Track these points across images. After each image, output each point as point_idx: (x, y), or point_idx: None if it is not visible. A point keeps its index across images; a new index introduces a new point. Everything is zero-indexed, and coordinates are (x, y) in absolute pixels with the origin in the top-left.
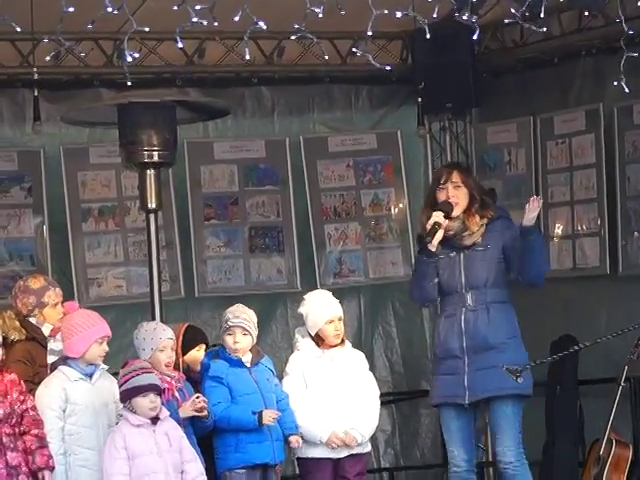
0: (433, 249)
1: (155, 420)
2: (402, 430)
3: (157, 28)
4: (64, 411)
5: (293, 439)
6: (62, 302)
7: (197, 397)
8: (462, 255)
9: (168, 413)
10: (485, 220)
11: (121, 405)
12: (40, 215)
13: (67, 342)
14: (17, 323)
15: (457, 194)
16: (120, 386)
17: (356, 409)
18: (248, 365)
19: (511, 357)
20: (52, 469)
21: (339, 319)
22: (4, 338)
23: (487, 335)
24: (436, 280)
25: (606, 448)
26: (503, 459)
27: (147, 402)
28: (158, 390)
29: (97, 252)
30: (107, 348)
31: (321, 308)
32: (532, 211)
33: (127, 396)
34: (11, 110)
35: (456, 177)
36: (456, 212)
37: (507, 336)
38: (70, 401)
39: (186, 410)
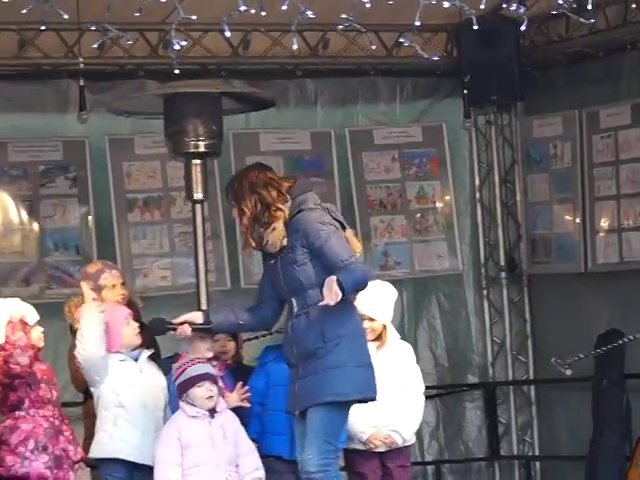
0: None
1: (212, 412)
2: (446, 423)
3: (202, 19)
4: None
5: None
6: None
7: (242, 387)
8: (279, 261)
9: (225, 405)
10: (271, 226)
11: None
12: (85, 205)
13: (107, 342)
14: None
15: (235, 212)
16: (175, 379)
17: (400, 405)
18: None
19: (333, 360)
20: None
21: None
22: (70, 326)
23: (306, 340)
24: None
25: None
26: (305, 469)
27: (203, 392)
28: (213, 379)
29: (143, 243)
30: (135, 324)
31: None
32: (330, 300)
33: (184, 388)
34: (55, 100)
35: (231, 197)
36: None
37: (326, 339)
38: (119, 381)
39: (233, 400)
